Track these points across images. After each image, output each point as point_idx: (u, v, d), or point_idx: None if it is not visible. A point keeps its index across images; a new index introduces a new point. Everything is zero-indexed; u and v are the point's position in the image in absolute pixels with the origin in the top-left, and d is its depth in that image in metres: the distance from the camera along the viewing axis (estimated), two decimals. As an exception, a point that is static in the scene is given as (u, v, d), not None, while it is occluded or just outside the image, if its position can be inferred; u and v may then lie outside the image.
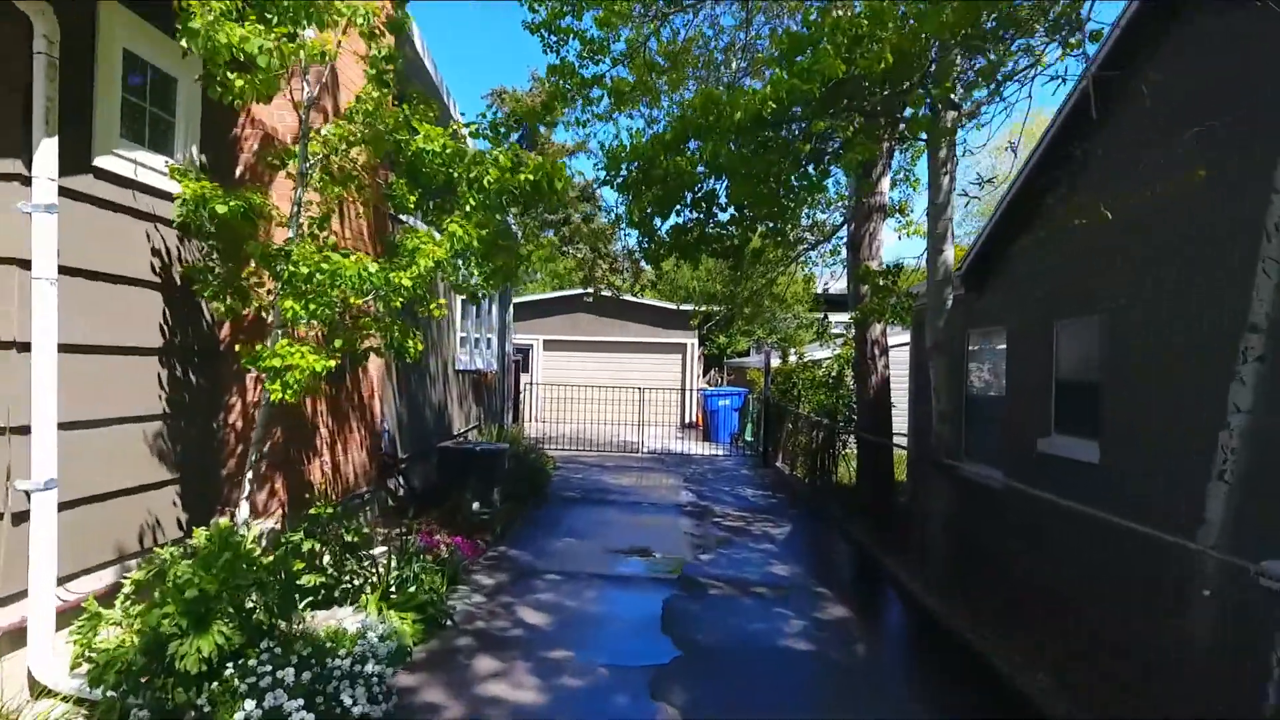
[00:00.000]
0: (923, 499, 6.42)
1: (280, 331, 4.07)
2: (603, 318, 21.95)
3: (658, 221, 6.83)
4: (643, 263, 9.98)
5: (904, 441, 9.37)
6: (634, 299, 22.50)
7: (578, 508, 9.53)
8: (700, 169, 5.86)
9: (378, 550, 5.71)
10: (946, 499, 6.20)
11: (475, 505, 7.84)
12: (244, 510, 4.18)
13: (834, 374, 10.36)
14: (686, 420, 21.69)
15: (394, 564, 5.63)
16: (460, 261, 4.21)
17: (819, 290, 32.24)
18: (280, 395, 3.74)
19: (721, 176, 6.01)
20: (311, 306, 3.76)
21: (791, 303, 31.54)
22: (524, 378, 21.72)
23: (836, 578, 7.12)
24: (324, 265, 3.64)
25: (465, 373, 11.53)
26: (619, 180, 6.17)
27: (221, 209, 3.69)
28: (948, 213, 6.03)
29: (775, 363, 14.68)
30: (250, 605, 3.52)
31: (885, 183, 8.37)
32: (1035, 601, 5.76)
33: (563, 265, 32.16)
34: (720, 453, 15.69)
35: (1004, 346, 8.00)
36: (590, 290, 22.05)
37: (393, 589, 5.30)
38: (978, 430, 8.50)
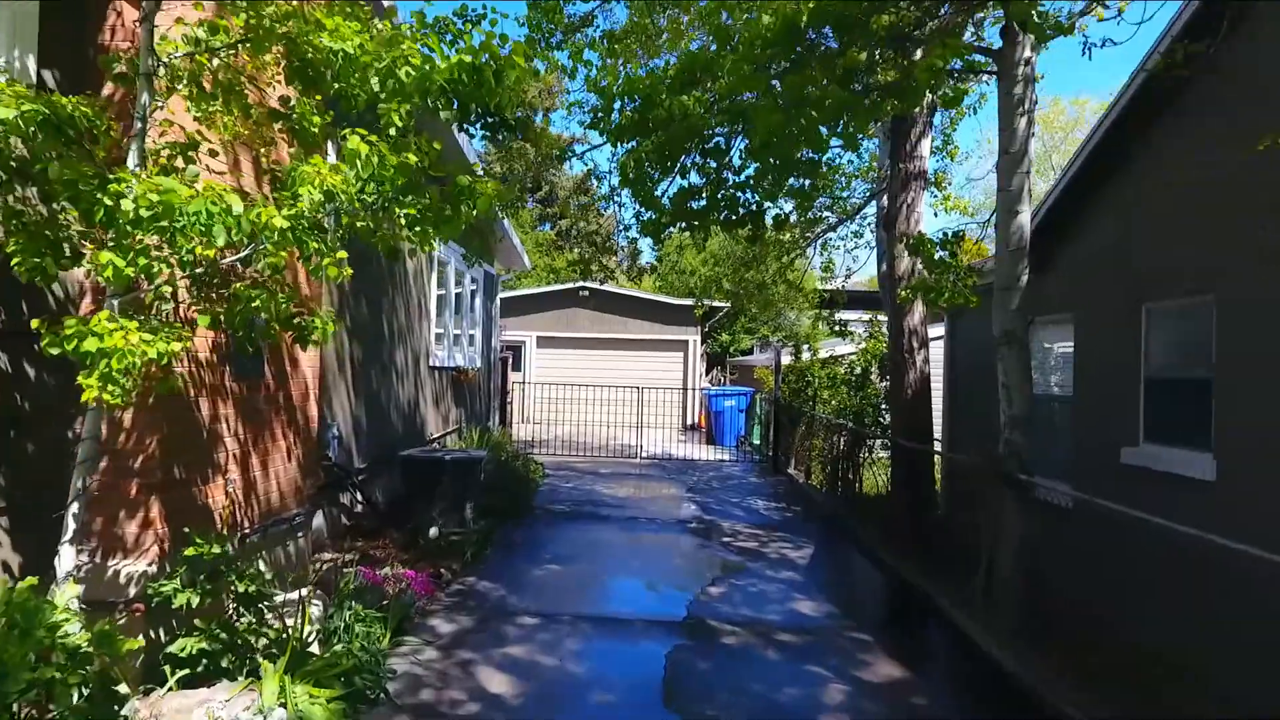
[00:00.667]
0: (988, 522, 5.17)
1: (117, 303, 2.82)
2: (599, 313, 20.71)
3: (659, 182, 5.58)
4: (640, 242, 8.60)
5: (942, 448, 8.13)
6: (632, 293, 21.25)
7: (566, 525, 8.28)
8: (714, 106, 4.61)
9: (296, 595, 4.47)
10: (1018, 523, 4.95)
11: (434, 531, 6.60)
12: (65, 559, 2.93)
13: (859, 371, 9.11)
14: (688, 422, 20.43)
15: (318, 614, 4.38)
16: (369, 195, 2.94)
17: (833, 280, 31.17)
18: (97, 394, 2.49)
19: (739, 121, 4.76)
20: (141, 262, 2.51)
21: (804, 293, 30.36)
22: (515, 376, 20.48)
23: (877, 619, 5.87)
24: (150, 197, 2.39)
25: (442, 370, 10.28)
26: (612, 125, 4.91)
27: (4, 112, 2.45)
28: (1024, 163, 4.78)
29: (786, 360, 13.43)
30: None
31: (925, 145, 7.13)
32: (1153, 666, 4.51)
33: (560, 260, 30.90)
34: (726, 458, 14.44)
35: (1067, 337, 6.76)
36: (583, 284, 20.84)
37: (312, 647, 4.06)
38: (1035, 438, 7.27)
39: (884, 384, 8.96)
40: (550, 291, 20.95)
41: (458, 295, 11.14)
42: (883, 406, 8.64)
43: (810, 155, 4.98)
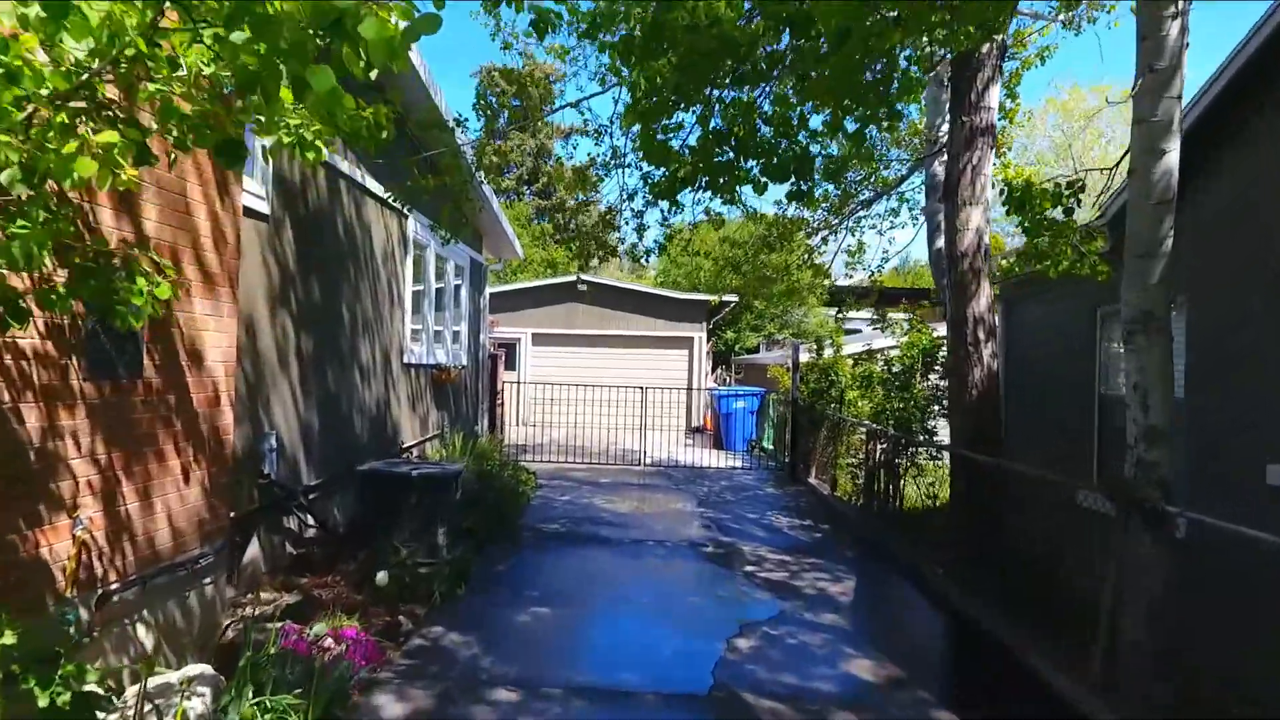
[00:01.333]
0: (1107, 564, 3.93)
1: None
2: (598, 308, 19.46)
3: (678, 127, 4.34)
4: (648, 211, 7.42)
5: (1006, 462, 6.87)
6: (633, 286, 20.00)
7: (560, 550, 7.03)
8: (751, 13, 3.37)
9: (183, 674, 3.22)
10: (1158, 569, 3.71)
11: (382, 577, 5.32)
12: None
13: (898, 369, 7.85)
14: (694, 424, 19.18)
15: (202, 710, 3.13)
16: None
17: (856, 271, 29.99)
18: None
19: (789, 28, 3.52)
20: None
21: (815, 289, 29.06)
22: (509, 375, 19.23)
23: (960, 689, 4.61)
24: None
25: (420, 368, 9.03)
26: (616, 37, 3.66)
27: None
28: (1175, 84, 3.52)
29: (805, 357, 12.18)
30: None
31: (994, 95, 5.88)
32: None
33: (558, 254, 29.66)
34: (737, 464, 13.19)
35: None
36: (581, 277, 19.58)
37: (184, 767, 2.81)
38: (1115, 448, 6.01)
39: (929, 382, 7.72)
40: (546, 285, 19.69)
41: (439, 283, 9.88)
42: (933, 409, 7.39)
43: (876, 76, 3.75)
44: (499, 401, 14.91)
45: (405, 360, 8.43)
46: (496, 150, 6.94)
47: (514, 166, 32.13)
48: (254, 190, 5.15)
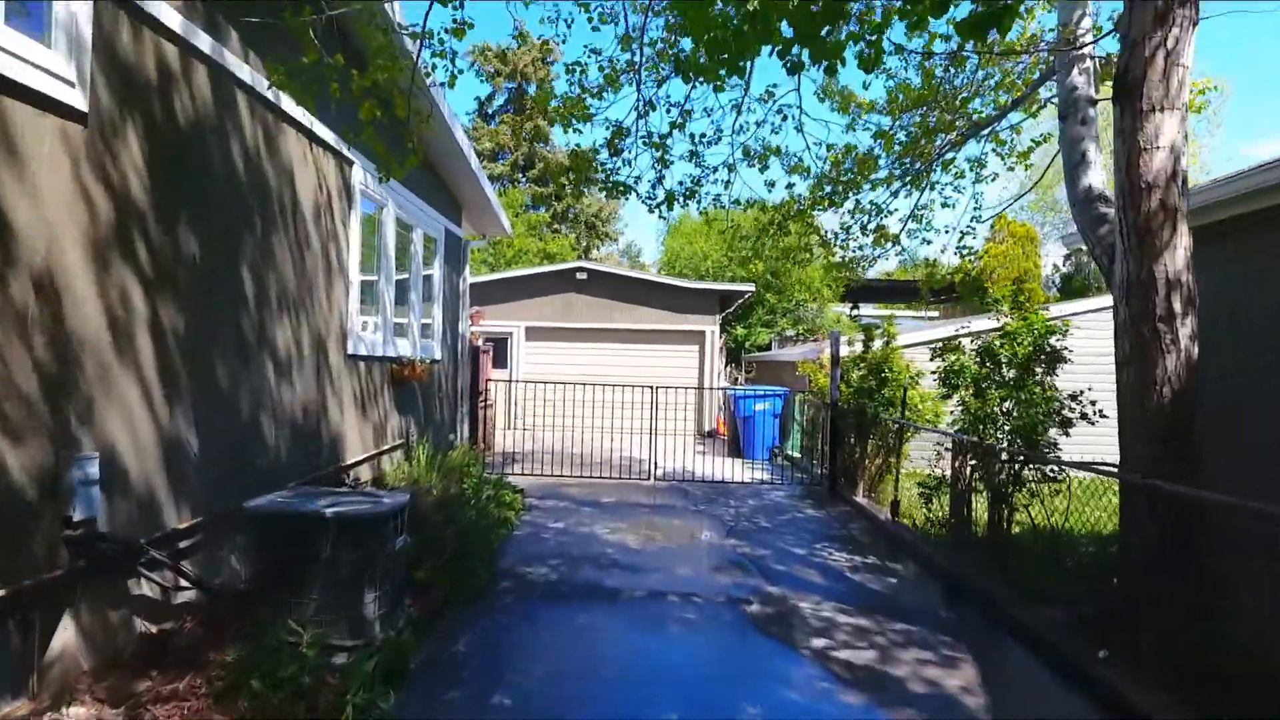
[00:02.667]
0: None
1: None
2: (599, 299, 17.51)
3: None
4: (675, 140, 5.38)
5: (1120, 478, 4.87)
6: (638, 274, 18.03)
7: (546, 614, 5.06)
8: None
9: None
10: None
11: (258, 686, 3.37)
12: None
13: (1008, 361, 5.78)
14: (705, 428, 17.24)
15: None
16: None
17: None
18: None
19: None
20: None
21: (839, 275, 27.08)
22: (499, 373, 17.30)
23: None
24: None
25: (371, 362, 7.07)
26: None
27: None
28: None
29: (842, 351, 10.21)
30: None
31: (1196, -51, 3.95)
32: None
33: (554, 244, 27.72)
34: (763, 477, 11.22)
35: None
36: (581, 265, 17.64)
37: None
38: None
39: (1050, 379, 5.74)
40: (541, 274, 17.73)
41: (402, 256, 7.93)
42: (1065, 414, 5.40)
43: None
44: (486, 403, 12.95)
45: (350, 350, 6.46)
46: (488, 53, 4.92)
47: (507, 151, 30.17)
48: (52, 65, 3.19)
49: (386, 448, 7.44)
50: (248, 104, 4.77)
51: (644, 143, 5.78)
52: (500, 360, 17.61)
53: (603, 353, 17.63)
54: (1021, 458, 5.38)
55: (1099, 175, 4.65)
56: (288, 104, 5.17)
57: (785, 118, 5.95)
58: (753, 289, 17.51)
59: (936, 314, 34.95)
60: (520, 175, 30.71)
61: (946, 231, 7.50)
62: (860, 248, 7.74)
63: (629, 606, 5.20)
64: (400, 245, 7.96)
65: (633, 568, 6.12)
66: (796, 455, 13.08)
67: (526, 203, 30.05)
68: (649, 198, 6.15)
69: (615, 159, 5.77)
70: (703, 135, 6.25)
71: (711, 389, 17.13)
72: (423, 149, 7.45)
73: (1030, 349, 5.61)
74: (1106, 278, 4.43)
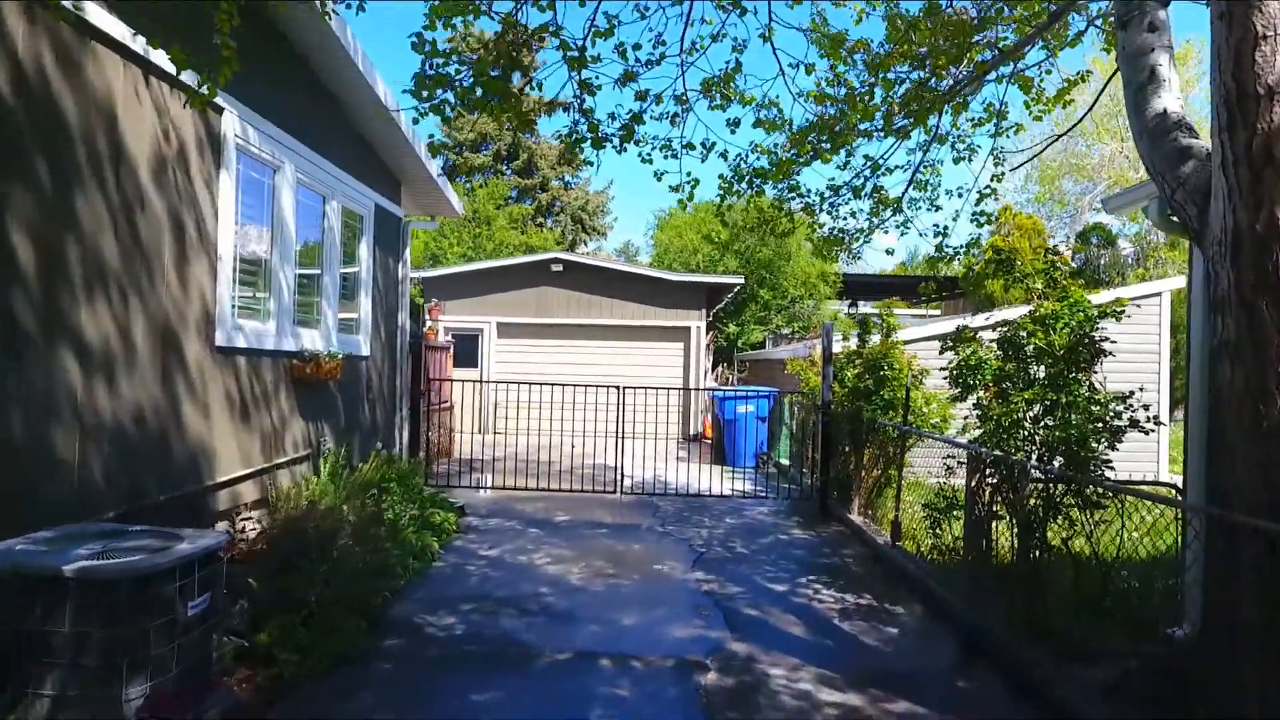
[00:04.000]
0: None
1: None
2: (577, 292, 16.26)
3: None
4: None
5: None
6: (619, 266, 16.78)
7: (425, 692, 3.78)
8: None
9: None
10: None
11: None
12: None
13: (1047, 352, 4.43)
14: (691, 431, 15.98)
15: None
16: None
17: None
18: None
19: None
20: None
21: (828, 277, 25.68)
22: (469, 373, 16.06)
23: None
24: None
25: (257, 356, 5.80)
26: None
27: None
28: None
29: (837, 346, 8.95)
30: None
31: None
32: None
33: (538, 238, 26.45)
34: (746, 488, 9.96)
35: None
36: (557, 255, 16.38)
37: None
38: None
39: (1098, 377, 4.48)
40: (514, 265, 16.46)
41: (305, 231, 6.66)
42: (1114, 423, 4.14)
43: None
44: (443, 405, 11.69)
45: (222, 342, 5.20)
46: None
47: (490, 142, 28.89)
48: None
49: (285, 460, 6.18)
50: (21, 9, 3.51)
51: (557, 50, 4.49)
52: (470, 358, 16.37)
53: (580, 350, 16.38)
54: (1066, 480, 4.11)
55: (1174, 98, 3.39)
56: (96, 13, 3.91)
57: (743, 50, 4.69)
58: (741, 281, 16.28)
59: (938, 312, 33.70)
60: (504, 167, 29.40)
61: (960, 194, 6.22)
62: (853, 213, 6.44)
63: (545, 677, 3.94)
64: (306, 219, 6.71)
65: (566, 616, 4.86)
66: (785, 463, 11.84)
67: (511, 195, 28.78)
68: (570, 135, 4.90)
69: (517, 73, 4.54)
70: (637, 46, 4.94)
71: (697, 389, 15.88)
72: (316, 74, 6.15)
73: (1071, 339, 4.33)
74: (1193, 234, 3.17)
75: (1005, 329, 4.90)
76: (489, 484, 9.34)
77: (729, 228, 26.05)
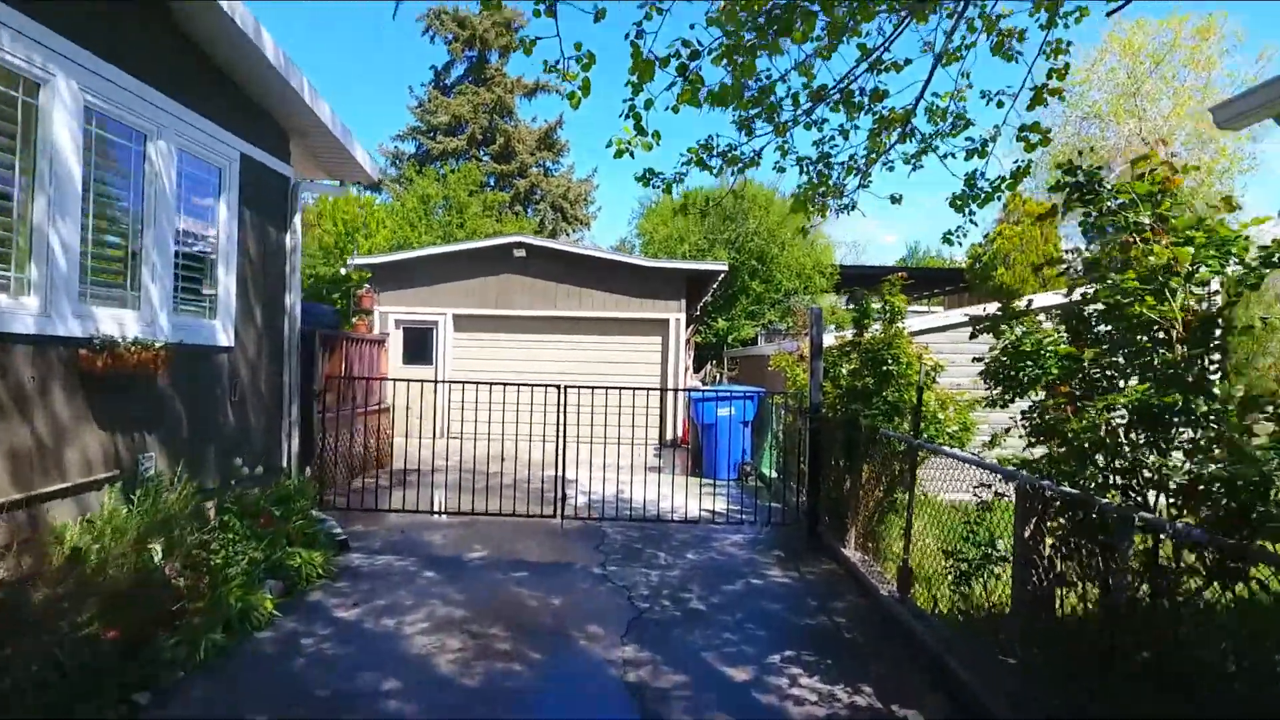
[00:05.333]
0: None
1: None
2: (543, 281, 14.53)
3: None
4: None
5: None
6: (589, 251, 15.05)
7: None
8: None
9: None
10: None
11: None
12: None
13: (1175, 323, 2.80)
14: (669, 435, 14.27)
15: None
16: None
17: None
18: None
19: None
20: None
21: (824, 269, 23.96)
22: (422, 371, 14.38)
23: None
24: None
25: (10, 342, 4.08)
26: None
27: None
28: None
29: (829, 339, 7.26)
30: None
31: None
32: None
33: (513, 226, 24.69)
34: (719, 508, 8.25)
35: None
36: (520, 239, 14.66)
37: None
38: None
39: (1212, 364, 2.77)
40: (471, 251, 14.72)
41: (97, 175, 4.92)
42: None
43: None
44: (378, 407, 9.97)
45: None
46: None
47: (465, 124, 27.14)
48: None
49: (60, 488, 4.46)
50: None
51: None
52: (422, 354, 14.66)
53: (546, 345, 14.67)
54: (1221, 551, 2.38)
55: None
56: None
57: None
58: (726, 269, 14.54)
59: (939, 308, 32.00)
60: (480, 152, 27.62)
61: (1000, 102, 4.43)
62: (844, 131, 4.65)
63: None
64: (117, 163, 4.99)
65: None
66: (769, 474, 10.14)
67: (488, 182, 27.02)
68: None
69: None
70: None
71: (676, 389, 14.16)
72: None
73: (1228, 298, 2.62)
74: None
75: (1080, 302, 3.20)
76: (410, 504, 7.63)
77: (690, 211, 24.25)
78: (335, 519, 6.74)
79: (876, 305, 6.27)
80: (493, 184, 27.37)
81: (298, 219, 7.30)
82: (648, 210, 26.47)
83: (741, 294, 23.97)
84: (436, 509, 7.62)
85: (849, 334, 7.09)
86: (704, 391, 10.93)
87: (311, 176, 8.15)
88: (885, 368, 5.89)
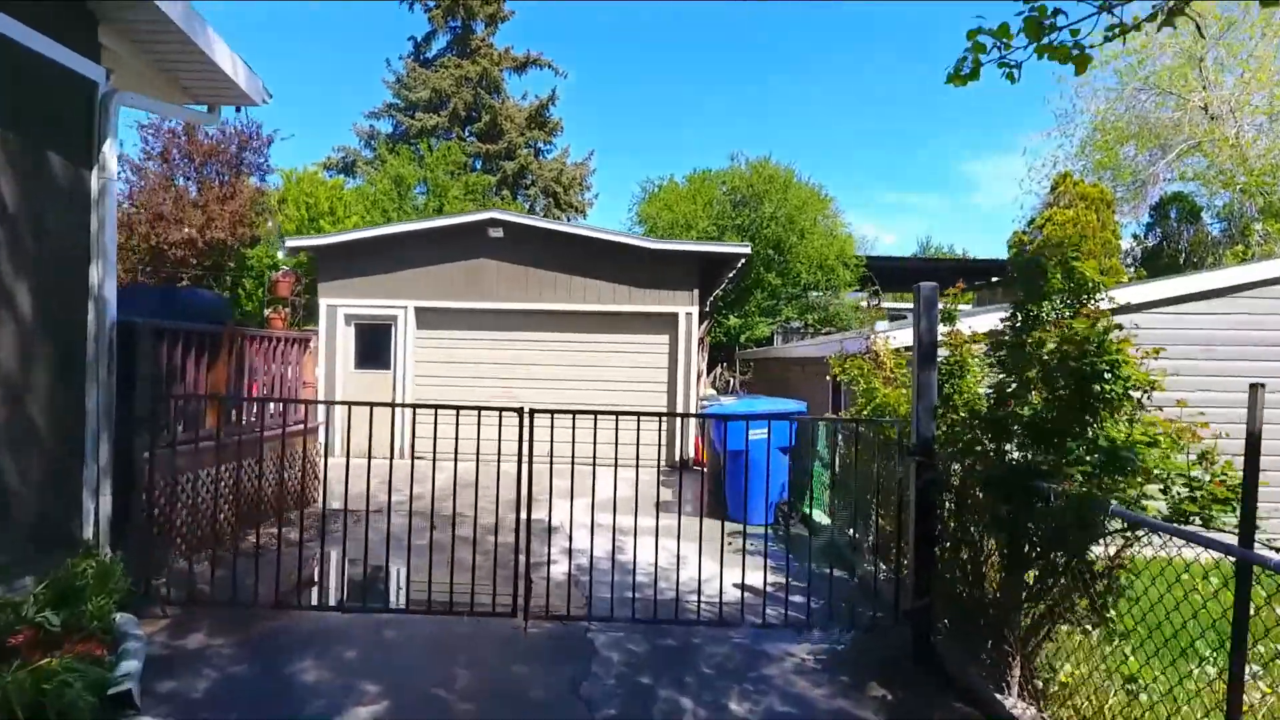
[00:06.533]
0: None
1: None
2: (524, 267, 11.93)
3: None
4: None
5: None
6: (580, 231, 12.38)
7: None
8: None
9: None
10: None
11: None
12: None
13: None
14: (679, 455, 11.66)
15: None
16: None
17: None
18: None
19: None
20: None
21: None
22: (377, 376, 11.83)
23: None
24: None
25: None
26: None
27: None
28: None
29: (901, 337, 4.63)
30: None
31: None
32: None
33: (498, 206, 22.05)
34: (756, 582, 5.55)
35: None
36: (495, 215, 12.08)
37: None
38: None
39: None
40: (437, 230, 12.10)
41: None
42: None
43: None
44: (296, 427, 7.36)
45: None
46: None
47: (447, 100, 24.48)
48: None
49: None
50: None
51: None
52: (377, 356, 12.06)
53: (529, 345, 12.08)
54: None
55: None
56: None
57: None
58: (748, 251, 11.92)
59: (969, 305, 29.36)
60: (464, 131, 24.94)
61: None
62: None
63: None
64: None
65: None
66: (820, 519, 7.53)
67: (473, 165, 24.37)
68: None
69: None
70: None
71: (689, 398, 11.56)
72: None
73: None
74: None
75: None
76: (297, 592, 5.01)
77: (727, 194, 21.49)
78: (156, 631, 4.14)
79: (1058, 278, 3.62)
80: (479, 166, 24.72)
81: (110, 149, 4.66)
82: (649, 195, 23.85)
83: (755, 288, 21.33)
84: (334, 602, 5.01)
85: (977, 324, 4.47)
86: (730, 407, 8.30)
87: (167, 100, 5.53)
88: (1100, 386, 3.27)
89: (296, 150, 64.33)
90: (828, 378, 7.91)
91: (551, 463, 5.09)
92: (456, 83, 24.05)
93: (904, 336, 7.36)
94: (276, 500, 6.92)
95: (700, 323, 12.36)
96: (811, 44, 67.34)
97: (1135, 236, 21.39)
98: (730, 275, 14.02)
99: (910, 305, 4.99)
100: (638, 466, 5.43)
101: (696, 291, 11.93)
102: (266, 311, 9.53)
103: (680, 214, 20.57)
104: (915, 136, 79.11)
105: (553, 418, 4.80)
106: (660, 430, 11.79)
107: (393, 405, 5.63)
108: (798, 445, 8.22)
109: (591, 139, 60.47)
